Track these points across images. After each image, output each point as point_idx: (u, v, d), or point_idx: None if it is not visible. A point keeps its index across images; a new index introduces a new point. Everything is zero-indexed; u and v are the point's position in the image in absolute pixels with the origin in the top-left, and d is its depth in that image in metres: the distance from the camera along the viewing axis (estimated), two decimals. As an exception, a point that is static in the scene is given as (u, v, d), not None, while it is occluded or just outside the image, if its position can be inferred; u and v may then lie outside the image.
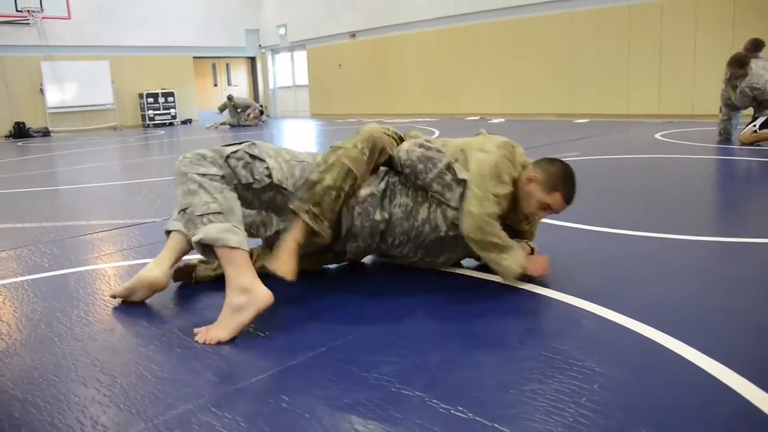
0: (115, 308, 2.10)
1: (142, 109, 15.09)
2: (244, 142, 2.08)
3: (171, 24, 15.36)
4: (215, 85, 17.62)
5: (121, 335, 1.88)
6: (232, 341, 1.76)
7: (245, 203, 2.09)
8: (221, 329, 1.78)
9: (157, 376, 1.56)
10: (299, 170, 2.11)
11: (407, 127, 7.64)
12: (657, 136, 7.07)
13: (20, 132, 13.24)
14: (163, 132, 12.89)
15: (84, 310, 2.09)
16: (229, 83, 17.68)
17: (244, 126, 12.70)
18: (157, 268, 2.11)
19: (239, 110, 12.87)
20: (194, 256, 2.35)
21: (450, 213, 2.14)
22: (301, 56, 16.59)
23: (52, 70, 13.58)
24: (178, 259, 2.20)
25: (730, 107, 6.23)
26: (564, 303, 1.97)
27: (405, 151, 2.21)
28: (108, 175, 6.35)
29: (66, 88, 13.86)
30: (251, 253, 2.30)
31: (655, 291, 2.06)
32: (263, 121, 13.13)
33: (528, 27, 11.16)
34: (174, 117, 15.35)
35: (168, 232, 2.23)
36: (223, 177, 1.95)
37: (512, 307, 2.00)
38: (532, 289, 2.10)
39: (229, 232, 1.84)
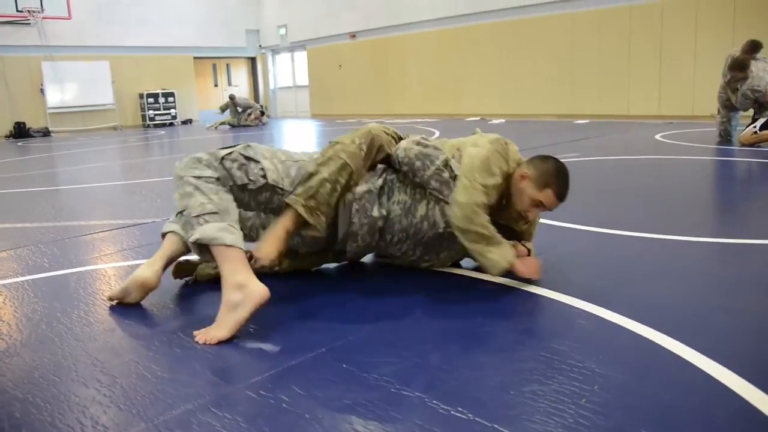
0: (116, 308, 2.10)
1: (143, 110, 15.10)
2: (239, 145, 2.09)
3: (171, 24, 15.36)
4: (215, 86, 17.62)
5: (122, 335, 1.88)
6: (232, 340, 1.76)
7: (242, 205, 2.11)
8: (220, 328, 1.78)
9: (157, 376, 1.57)
10: (295, 170, 2.12)
11: (407, 127, 7.64)
12: (657, 137, 7.08)
13: (20, 132, 13.25)
14: (163, 132, 12.89)
15: (84, 310, 2.09)
16: (229, 83, 17.68)
17: (244, 126, 12.71)
18: (148, 268, 2.12)
19: (240, 110, 12.87)
20: (193, 257, 2.35)
21: (448, 210, 2.15)
22: (301, 56, 16.59)
23: (52, 70, 13.59)
24: (171, 259, 2.21)
25: (729, 108, 6.23)
26: (563, 303, 1.97)
27: (403, 149, 2.22)
28: (108, 175, 6.35)
29: (66, 88, 13.86)
30: (250, 255, 2.31)
31: (655, 291, 2.06)
32: (264, 122, 13.13)
33: (528, 27, 11.16)
34: (174, 117, 15.35)
35: (164, 235, 2.24)
36: (218, 179, 1.98)
37: (512, 307, 2.00)
38: (531, 290, 2.10)
39: (225, 231, 1.86)
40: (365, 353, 1.65)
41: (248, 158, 2.06)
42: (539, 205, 2.17)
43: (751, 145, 5.79)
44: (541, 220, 2.88)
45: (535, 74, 11.15)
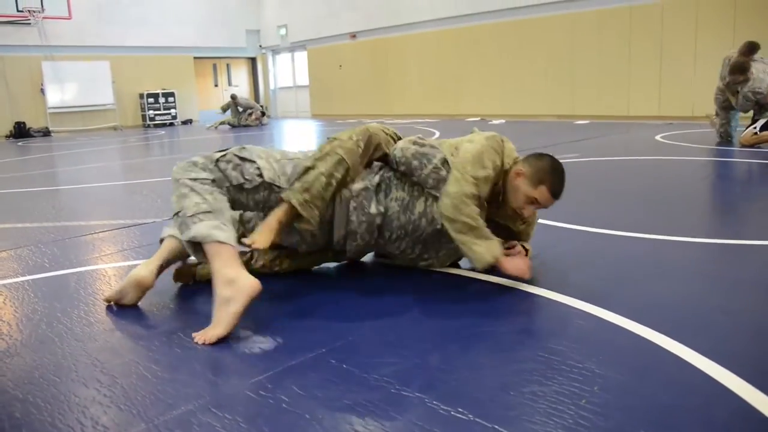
0: (116, 309, 2.10)
1: (143, 110, 15.10)
2: (233, 147, 2.14)
3: (171, 24, 15.36)
4: (216, 86, 17.62)
5: (122, 336, 1.89)
6: (228, 337, 1.76)
7: (241, 206, 2.13)
8: (217, 326, 1.78)
9: (157, 376, 1.57)
10: (291, 167, 2.15)
11: (407, 128, 7.64)
12: (657, 137, 7.08)
13: (21, 132, 13.24)
14: (163, 132, 12.89)
15: (84, 310, 2.09)
16: (229, 84, 17.68)
17: (245, 126, 12.71)
18: (144, 268, 2.12)
19: (241, 110, 12.88)
20: (192, 260, 2.35)
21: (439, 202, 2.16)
22: (301, 57, 16.60)
23: (52, 70, 13.59)
24: (168, 261, 2.20)
25: (727, 110, 6.23)
26: (562, 304, 1.97)
27: (399, 148, 2.25)
28: (108, 175, 6.36)
29: (66, 88, 13.86)
30: (251, 255, 2.31)
31: (654, 292, 2.06)
32: (264, 123, 13.14)
33: (528, 28, 11.16)
34: (174, 117, 15.35)
35: (162, 241, 2.25)
36: (213, 181, 2.02)
37: (511, 307, 2.00)
38: (530, 290, 2.10)
39: (217, 229, 1.89)
40: (365, 353, 1.65)
41: (243, 159, 2.09)
42: (534, 202, 2.18)
43: (752, 145, 5.80)
44: (541, 221, 2.89)
45: (535, 75, 11.16)
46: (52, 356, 1.72)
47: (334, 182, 2.11)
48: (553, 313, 1.93)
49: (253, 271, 2.29)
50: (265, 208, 2.16)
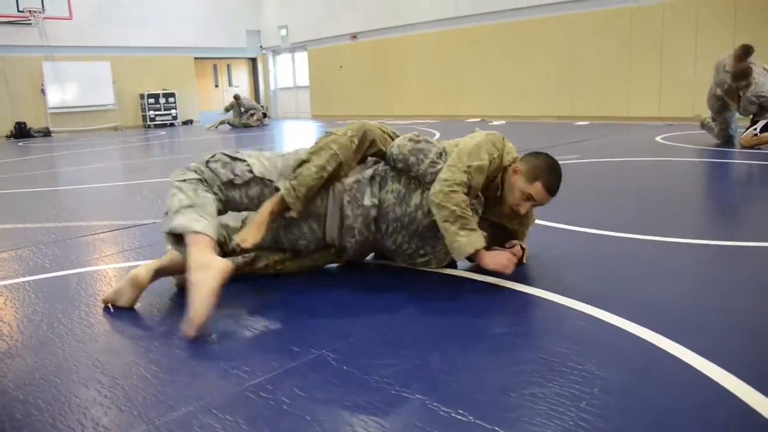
0: (116, 310, 2.10)
1: (143, 110, 15.10)
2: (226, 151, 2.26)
3: (172, 25, 15.36)
4: (216, 86, 17.64)
5: (123, 337, 1.89)
6: (230, 337, 1.76)
7: (236, 204, 2.21)
8: (195, 310, 1.78)
9: (158, 377, 1.57)
10: (282, 162, 2.24)
11: (408, 128, 7.67)
12: (657, 138, 7.08)
13: (21, 132, 13.25)
14: (164, 133, 12.90)
15: (85, 311, 2.09)
16: (230, 84, 17.70)
17: (246, 126, 12.71)
18: (142, 268, 2.14)
19: (243, 111, 12.89)
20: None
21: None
22: (302, 57, 16.60)
23: (53, 70, 13.59)
24: (168, 268, 2.18)
25: (723, 112, 6.22)
26: (562, 305, 1.97)
27: (396, 146, 2.29)
28: (109, 175, 6.36)
29: (67, 89, 13.87)
30: (255, 257, 2.31)
31: (653, 293, 2.06)
32: (265, 124, 13.15)
33: (529, 29, 11.17)
34: (175, 118, 15.35)
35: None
36: (204, 181, 2.13)
37: (511, 308, 2.00)
38: (530, 291, 2.11)
39: (195, 221, 1.96)
40: (365, 354, 1.66)
41: (234, 158, 2.21)
42: (530, 198, 2.22)
43: (752, 147, 5.80)
44: (540, 222, 2.89)
45: (535, 76, 11.16)
46: (53, 357, 1.72)
47: (324, 174, 2.18)
48: (553, 314, 1.93)
49: (255, 273, 2.30)
50: (261, 205, 2.19)
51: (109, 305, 2.11)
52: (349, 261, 2.45)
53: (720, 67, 6.11)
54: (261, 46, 17.41)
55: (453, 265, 2.40)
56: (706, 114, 6.62)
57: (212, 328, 1.84)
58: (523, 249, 2.37)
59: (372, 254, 2.52)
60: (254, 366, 1.63)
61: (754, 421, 1.28)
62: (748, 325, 1.79)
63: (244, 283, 2.26)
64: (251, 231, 2.12)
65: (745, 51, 5.88)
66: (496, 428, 1.27)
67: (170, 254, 2.19)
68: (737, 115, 6.24)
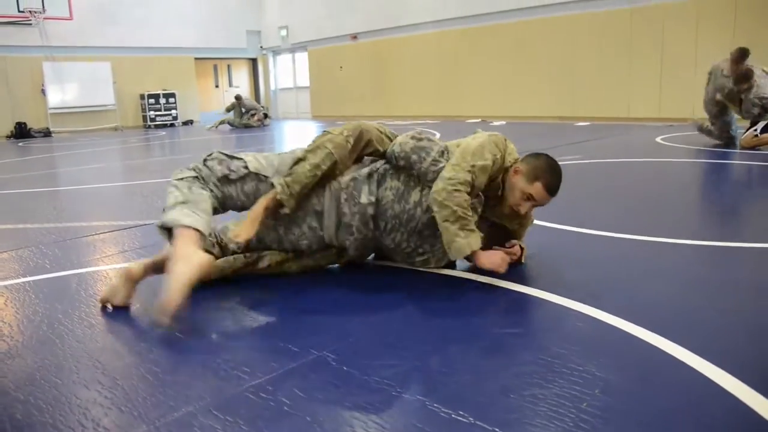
0: (117, 310, 2.10)
1: (144, 110, 15.09)
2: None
3: (172, 25, 15.36)
4: (216, 87, 17.63)
5: (123, 337, 1.89)
6: (230, 338, 1.76)
7: (233, 200, 2.24)
8: (167, 298, 1.80)
9: (158, 378, 1.57)
10: (278, 160, 2.29)
11: (408, 129, 7.64)
12: (658, 139, 7.08)
13: (22, 132, 13.24)
14: (164, 133, 12.90)
15: (85, 311, 2.09)
16: (230, 84, 17.69)
17: (246, 126, 12.71)
18: (135, 263, 2.19)
19: (244, 111, 12.90)
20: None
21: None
22: (302, 58, 16.60)
23: (53, 70, 13.59)
24: (161, 261, 2.17)
25: (722, 115, 6.21)
26: (562, 306, 1.97)
27: (399, 144, 2.30)
28: (109, 176, 6.36)
29: (67, 89, 13.86)
30: (258, 258, 2.31)
31: (653, 294, 2.06)
32: (266, 124, 13.15)
33: (529, 30, 11.17)
34: (175, 118, 15.35)
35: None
36: (200, 178, 2.17)
37: (511, 309, 2.01)
38: (530, 292, 2.11)
39: (185, 216, 2.00)
40: (366, 355, 1.66)
41: (230, 156, 2.26)
42: (530, 198, 2.24)
43: (752, 148, 5.80)
44: (539, 222, 2.90)
45: (535, 76, 11.16)
46: (53, 358, 1.72)
47: (318, 172, 2.21)
48: (552, 315, 1.93)
49: (257, 273, 2.30)
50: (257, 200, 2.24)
51: (108, 305, 2.12)
52: (349, 261, 2.45)
53: (717, 72, 6.11)
54: (261, 47, 17.41)
55: (452, 265, 2.40)
56: (702, 116, 6.63)
57: (212, 327, 1.84)
58: (522, 249, 2.38)
59: (372, 255, 2.52)
60: (254, 367, 1.63)
61: (753, 422, 1.28)
62: (746, 325, 1.79)
63: (245, 283, 2.26)
64: (245, 226, 2.16)
65: (742, 54, 5.88)
66: (497, 429, 1.27)
67: (165, 251, 2.20)
68: (736, 116, 6.24)
